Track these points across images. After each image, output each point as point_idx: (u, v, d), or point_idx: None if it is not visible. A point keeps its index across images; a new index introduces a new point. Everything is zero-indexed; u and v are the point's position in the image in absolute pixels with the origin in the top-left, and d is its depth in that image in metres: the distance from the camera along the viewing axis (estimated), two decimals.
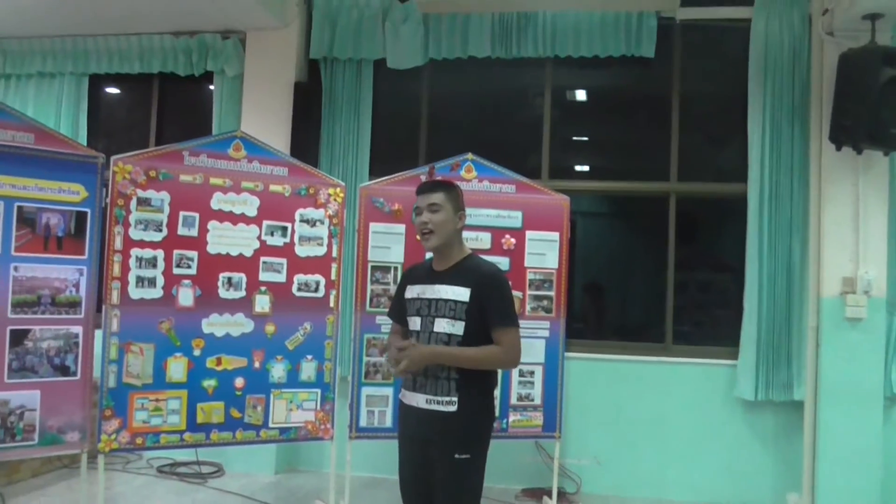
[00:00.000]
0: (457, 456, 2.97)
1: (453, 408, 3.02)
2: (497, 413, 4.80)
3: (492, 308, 3.04)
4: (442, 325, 3.06)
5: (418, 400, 3.09)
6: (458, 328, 3.04)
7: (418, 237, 3.20)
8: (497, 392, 4.76)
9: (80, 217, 4.23)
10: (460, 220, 3.17)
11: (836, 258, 5.09)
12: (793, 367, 5.24)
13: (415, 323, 3.18)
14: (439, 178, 3.45)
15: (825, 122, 5.03)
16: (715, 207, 6.02)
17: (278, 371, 4.62)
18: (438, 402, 3.04)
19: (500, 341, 3.05)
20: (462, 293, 3.04)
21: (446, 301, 3.06)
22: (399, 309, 3.32)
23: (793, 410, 5.29)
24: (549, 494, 5.15)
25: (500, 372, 4.81)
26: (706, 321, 6.05)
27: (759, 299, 5.27)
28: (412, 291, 3.23)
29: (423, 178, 4.58)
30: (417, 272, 3.30)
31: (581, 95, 6.26)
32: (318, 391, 4.72)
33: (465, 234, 4.69)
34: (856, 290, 5.02)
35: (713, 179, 5.77)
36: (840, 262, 5.08)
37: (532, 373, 4.97)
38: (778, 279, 5.26)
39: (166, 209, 4.35)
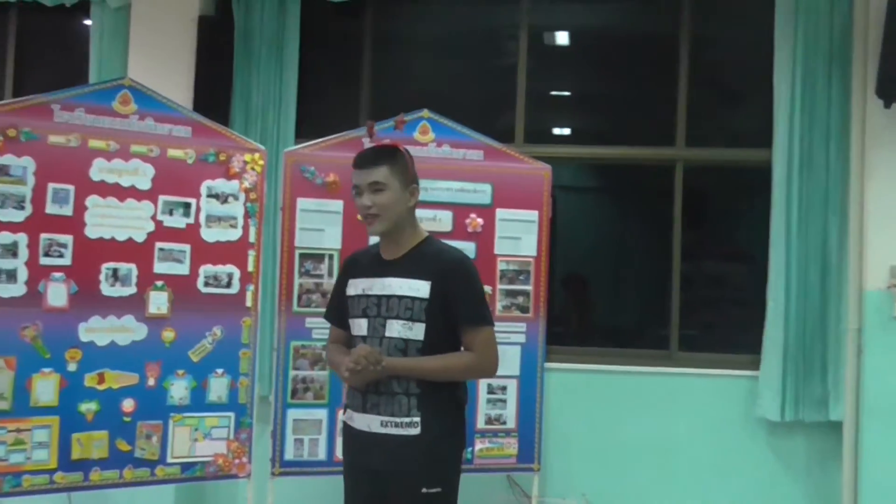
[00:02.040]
0: (424, 490, 2.99)
1: (416, 430, 3.03)
2: None
3: (459, 304, 3.07)
4: (396, 329, 3.06)
5: (371, 423, 3.09)
6: (416, 332, 3.05)
7: (360, 219, 3.21)
8: None
9: None
10: (412, 196, 3.17)
11: (882, 242, 5.11)
12: (828, 380, 5.22)
13: (360, 327, 3.17)
14: (381, 141, 3.40)
15: (870, 72, 5.03)
16: (732, 179, 6.08)
17: (179, 389, 4.49)
18: (397, 425, 3.04)
19: (471, 345, 3.08)
20: (420, 287, 3.05)
21: (400, 298, 3.06)
22: (339, 309, 3.32)
23: (829, 433, 5.28)
24: None
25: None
26: (720, 322, 6.10)
27: (786, 294, 5.24)
28: (355, 287, 3.21)
29: (365, 142, 4.47)
30: (361, 262, 3.30)
31: (564, 38, 6.28)
32: (232, 415, 4.61)
33: (420, 213, 4.58)
34: None
35: (730, 144, 5.78)
36: (888, 248, 5.09)
37: (504, 388, 4.93)
38: (810, 269, 5.23)
39: (30, 180, 4.17)
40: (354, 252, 3.53)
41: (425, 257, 3.12)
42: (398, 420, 3.03)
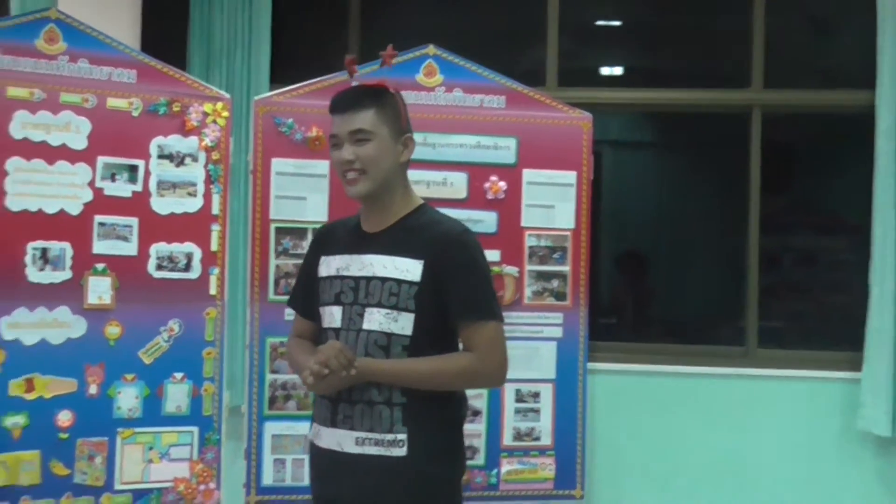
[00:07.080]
0: None
1: (401, 451, 2.97)
2: (482, 461, 4.80)
3: (458, 291, 3.01)
4: (377, 320, 3.02)
5: (342, 441, 3.03)
6: (403, 324, 3.00)
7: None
8: (482, 426, 4.77)
9: None
10: (405, 149, 3.11)
11: None
12: None
13: (333, 317, 3.12)
14: (365, 80, 3.29)
15: None
16: (824, 129, 6.08)
17: (128, 399, 4.51)
18: (377, 443, 2.97)
19: (472, 344, 3.02)
20: (410, 268, 3.01)
21: (384, 281, 3.02)
22: (305, 294, 3.29)
23: None
24: None
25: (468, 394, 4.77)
26: (811, 312, 6.11)
27: (895, 276, 5.25)
28: (329, 266, 3.18)
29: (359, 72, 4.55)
30: (336, 236, 3.26)
31: None
32: (195, 430, 4.64)
33: (427, 174, 4.69)
34: None
35: (821, 85, 5.79)
36: None
37: (537, 395, 4.94)
38: None
39: None
40: (329, 224, 3.49)
41: (417, 230, 3.06)
42: (378, 437, 2.97)
